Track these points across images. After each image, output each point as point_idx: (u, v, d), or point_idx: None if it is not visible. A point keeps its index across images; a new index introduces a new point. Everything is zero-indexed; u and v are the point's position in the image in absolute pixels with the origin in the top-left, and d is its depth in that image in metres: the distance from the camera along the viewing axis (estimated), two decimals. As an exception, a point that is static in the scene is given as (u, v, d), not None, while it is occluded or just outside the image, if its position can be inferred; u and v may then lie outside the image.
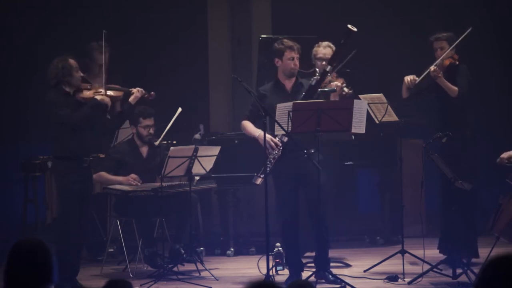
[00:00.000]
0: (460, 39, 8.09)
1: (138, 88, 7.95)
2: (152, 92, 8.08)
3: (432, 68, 8.03)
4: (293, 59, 7.59)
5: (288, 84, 7.68)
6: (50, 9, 10.60)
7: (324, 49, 8.48)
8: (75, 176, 7.50)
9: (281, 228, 7.69)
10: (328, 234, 7.68)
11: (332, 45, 8.42)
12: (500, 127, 10.72)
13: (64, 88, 7.54)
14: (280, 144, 7.39)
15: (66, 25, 10.50)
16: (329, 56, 8.05)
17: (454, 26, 8.47)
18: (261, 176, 7.35)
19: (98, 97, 7.64)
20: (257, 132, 7.49)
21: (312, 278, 7.37)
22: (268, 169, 7.35)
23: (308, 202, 7.52)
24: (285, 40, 7.68)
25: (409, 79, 8.14)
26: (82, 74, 7.70)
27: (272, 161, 7.38)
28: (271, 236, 7.44)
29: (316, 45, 8.59)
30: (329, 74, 7.64)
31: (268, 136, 7.36)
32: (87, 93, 7.63)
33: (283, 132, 7.22)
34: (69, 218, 7.51)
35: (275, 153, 7.38)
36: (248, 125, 7.64)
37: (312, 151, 7.38)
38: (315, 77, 7.54)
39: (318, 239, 7.59)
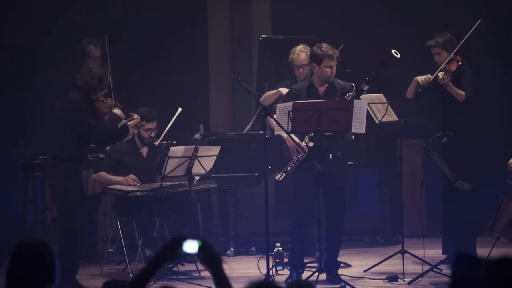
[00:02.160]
0: (468, 34, 7.99)
1: (137, 116, 7.99)
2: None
3: (440, 75, 7.95)
4: (331, 67, 7.53)
5: (321, 89, 7.62)
6: (50, 9, 10.60)
7: (301, 55, 8.24)
8: (72, 177, 7.52)
9: (290, 225, 7.68)
10: (341, 238, 7.74)
11: (306, 48, 8.16)
12: (500, 127, 10.71)
13: (89, 95, 7.56)
14: (306, 150, 7.38)
15: (66, 25, 10.49)
16: (306, 62, 8.00)
17: (454, 26, 8.47)
18: (282, 173, 7.36)
19: (117, 112, 7.67)
20: (285, 135, 7.40)
21: (313, 278, 7.37)
22: (290, 168, 7.38)
23: (326, 204, 7.53)
24: (325, 47, 7.54)
25: (422, 78, 8.05)
26: (106, 91, 7.71)
27: (296, 162, 7.39)
28: (271, 236, 7.44)
29: (292, 51, 8.31)
30: (365, 92, 7.62)
31: (296, 140, 7.35)
32: (102, 106, 7.64)
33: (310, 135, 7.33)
34: (69, 218, 7.52)
35: (299, 155, 7.38)
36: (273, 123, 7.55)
37: (339, 154, 7.53)
38: (351, 94, 7.53)
39: (329, 242, 7.64)
